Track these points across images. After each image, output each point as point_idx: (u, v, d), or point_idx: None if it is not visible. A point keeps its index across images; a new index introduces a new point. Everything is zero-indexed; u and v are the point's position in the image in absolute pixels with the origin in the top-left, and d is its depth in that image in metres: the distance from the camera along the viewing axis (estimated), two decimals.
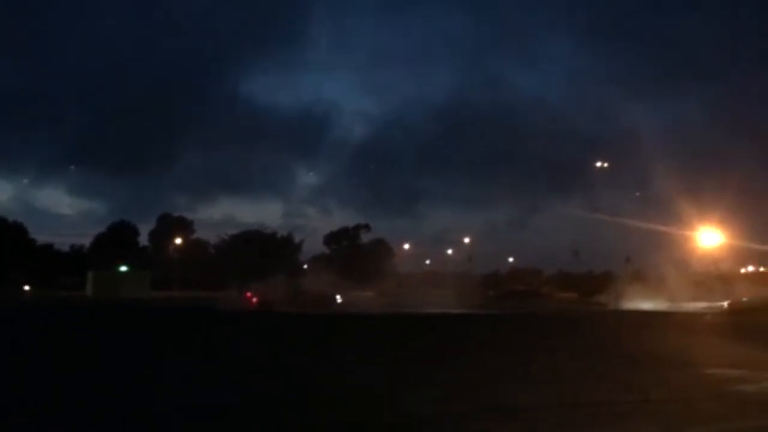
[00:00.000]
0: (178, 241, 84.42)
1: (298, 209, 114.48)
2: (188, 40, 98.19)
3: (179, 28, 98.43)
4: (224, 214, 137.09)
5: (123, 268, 70.10)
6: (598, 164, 60.90)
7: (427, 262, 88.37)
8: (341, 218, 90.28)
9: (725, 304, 43.87)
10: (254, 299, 41.63)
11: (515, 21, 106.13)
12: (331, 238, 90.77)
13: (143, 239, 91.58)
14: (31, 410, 8.82)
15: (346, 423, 8.34)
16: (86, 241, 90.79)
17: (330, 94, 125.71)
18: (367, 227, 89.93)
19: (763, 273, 65.43)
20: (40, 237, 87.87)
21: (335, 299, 44.27)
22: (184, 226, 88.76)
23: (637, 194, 63.72)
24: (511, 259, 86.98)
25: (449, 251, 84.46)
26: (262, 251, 74.60)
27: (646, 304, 46.28)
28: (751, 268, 66.51)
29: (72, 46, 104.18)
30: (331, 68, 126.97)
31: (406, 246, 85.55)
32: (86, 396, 10.03)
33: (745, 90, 71.65)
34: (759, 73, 72.21)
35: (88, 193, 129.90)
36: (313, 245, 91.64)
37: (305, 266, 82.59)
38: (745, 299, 44.22)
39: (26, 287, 67.88)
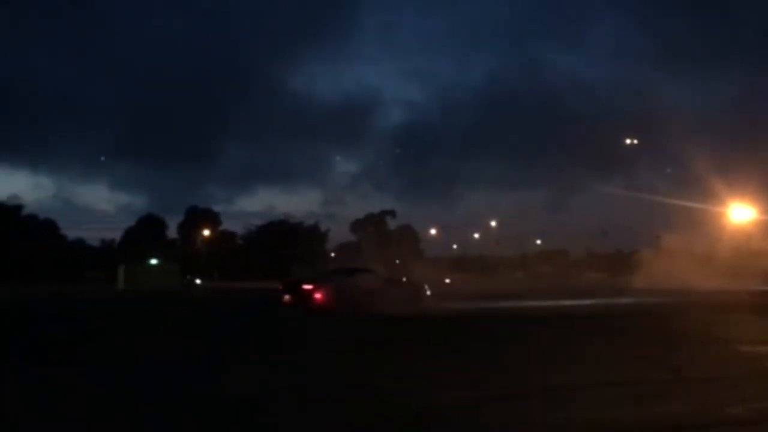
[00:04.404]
0: (206, 232, 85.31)
1: (334, 197, 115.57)
2: (229, 32, 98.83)
3: (220, 21, 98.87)
4: (263, 205, 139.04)
5: (153, 261, 71.03)
6: (628, 141, 60.25)
7: (454, 246, 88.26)
8: (377, 205, 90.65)
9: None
10: None
11: (555, 3, 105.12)
12: (357, 225, 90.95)
13: (172, 232, 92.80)
14: None
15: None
16: (117, 236, 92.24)
17: (371, 81, 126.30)
18: (392, 213, 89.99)
19: None
20: (76, 233, 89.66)
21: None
22: (210, 218, 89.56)
23: (669, 171, 62.98)
24: (538, 242, 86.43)
25: (476, 235, 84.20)
26: (288, 241, 74.93)
27: (678, 283, 45.70)
28: None
29: (114, 42, 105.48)
30: (372, 56, 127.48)
31: (433, 231, 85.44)
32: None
33: None
34: None
35: (128, 188, 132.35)
36: (342, 233, 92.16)
37: (332, 254, 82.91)
38: None
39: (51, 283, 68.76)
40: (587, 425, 7.24)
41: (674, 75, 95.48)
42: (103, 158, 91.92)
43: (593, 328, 18.96)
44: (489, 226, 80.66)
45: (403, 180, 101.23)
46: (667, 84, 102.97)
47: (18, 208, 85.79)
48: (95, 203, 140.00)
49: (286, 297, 27.53)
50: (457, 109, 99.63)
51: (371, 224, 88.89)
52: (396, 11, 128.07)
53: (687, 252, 52.36)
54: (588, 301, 30.48)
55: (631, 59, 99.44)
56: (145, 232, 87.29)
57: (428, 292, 28.97)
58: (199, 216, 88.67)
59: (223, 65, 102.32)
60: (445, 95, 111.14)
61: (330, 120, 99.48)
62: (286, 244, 75.17)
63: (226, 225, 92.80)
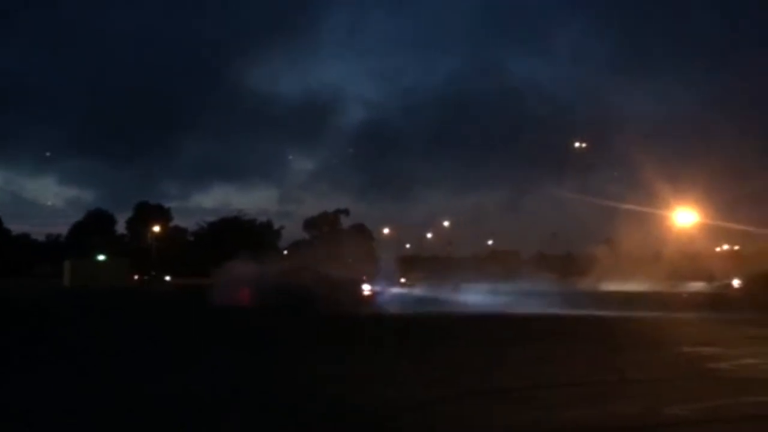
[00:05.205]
0: (156, 228, 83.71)
1: (291, 195, 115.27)
2: (189, 26, 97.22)
3: (180, 15, 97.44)
4: (219, 202, 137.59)
5: (100, 257, 69.46)
6: (577, 145, 61.21)
7: (407, 246, 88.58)
8: (334, 204, 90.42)
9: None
10: None
11: (517, 8, 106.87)
12: (311, 223, 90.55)
13: (120, 227, 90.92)
14: None
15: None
16: (63, 230, 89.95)
17: (332, 80, 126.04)
18: (346, 212, 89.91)
19: (737, 251, 66.37)
20: (22, 227, 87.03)
21: None
22: (161, 213, 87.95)
23: (616, 174, 64.15)
24: (490, 242, 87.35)
25: (429, 235, 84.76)
26: (239, 238, 74.17)
27: (626, 285, 46.77)
28: (726, 247, 67.40)
29: (68, 34, 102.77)
30: (334, 55, 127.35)
31: (386, 230, 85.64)
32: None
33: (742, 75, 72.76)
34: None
35: (79, 183, 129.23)
36: (296, 231, 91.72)
37: (285, 252, 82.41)
38: None
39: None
40: (536, 426, 7.41)
41: (630, 81, 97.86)
42: (48, 154, 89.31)
43: (542, 331, 19.30)
44: (442, 226, 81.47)
45: (361, 179, 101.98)
46: (622, 90, 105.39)
47: None
48: (43, 197, 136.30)
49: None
50: (416, 109, 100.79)
51: (325, 223, 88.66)
52: (359, 11, 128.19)
53: (634, 254, 53.62)
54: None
55: (589, 65, 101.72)
56: (93, 227, 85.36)
57: (367, 292, 28.60)
58: (149, 211, 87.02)
59: (182, 60, 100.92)
60: (405, 96, 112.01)
61: (290, 118, 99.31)
62: (238, 241, 74.31)
63: (179, 221, 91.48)
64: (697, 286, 50.57)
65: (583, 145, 60.76)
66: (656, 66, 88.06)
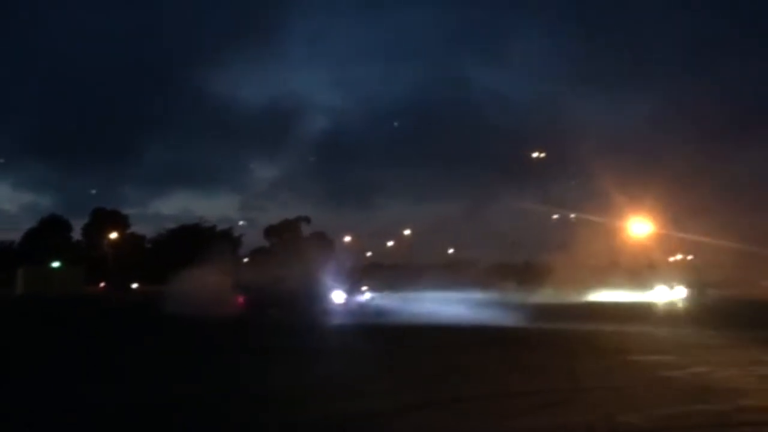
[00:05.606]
0: (113, 235, 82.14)
1: (253, 203, 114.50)
2: (151, 29, 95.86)
3: (142, 17, 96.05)
4: (180, 209, 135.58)
5: (55, 264, 68.00)
6: (535, 155, 62.04)
7: (369, 254, 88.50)
8: (296, 211, 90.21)
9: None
10: None
11: (480, 20, 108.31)
12: (271, 231, 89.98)
13: (77, 234, 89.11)
14: None
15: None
16: (17, 237, 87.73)
17: (295, 87, 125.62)
18: (307, 219, 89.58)
19: (691, 261, 68.02)
20: None
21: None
22: (118, 220, 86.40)
23: (573, 183, 65.16)
24: (451, 250, 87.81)
25: (390, 243, 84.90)
26: (198, 245, 73.34)
27: (582, 296, 47.44)
28: (679, 257, 69.00)
29: (26, 34, 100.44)
30: (298, 63, 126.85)
31: (347, 238, 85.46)
32: None
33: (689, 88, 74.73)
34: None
35: (36, 188, 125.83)
36: (256, 238, 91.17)
37: (245, 260, 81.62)
38: None
39: None
40: None
41: (587, 93, 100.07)
42: (2, 160, 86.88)
43: (497, 340, 19.44)
44: (403, 235, 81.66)
45: (323, 187, 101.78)
46: (580, 101, 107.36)
47: None
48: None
49: None
50: (379, 119, 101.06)
51: (286, 230, 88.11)
52: (323, 20, 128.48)
53: (590, 264, 54.54)
54: None
55: (548, 76, 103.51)
56: (48, 233, 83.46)
57: (334, 301, 28.63)
58: (105, 218, 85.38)
59: (142, 64, 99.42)
60: (368, 105, 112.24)
61: (252, 125, 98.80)
62: (197, 248, 73.49)
63: (138, 228, 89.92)
64: (651, 294, 51.57)
65: (542, 155, 61.67)
66: (612, 77, 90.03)
